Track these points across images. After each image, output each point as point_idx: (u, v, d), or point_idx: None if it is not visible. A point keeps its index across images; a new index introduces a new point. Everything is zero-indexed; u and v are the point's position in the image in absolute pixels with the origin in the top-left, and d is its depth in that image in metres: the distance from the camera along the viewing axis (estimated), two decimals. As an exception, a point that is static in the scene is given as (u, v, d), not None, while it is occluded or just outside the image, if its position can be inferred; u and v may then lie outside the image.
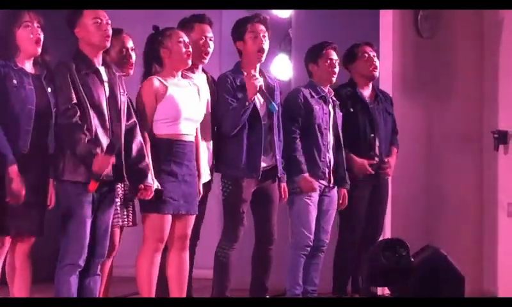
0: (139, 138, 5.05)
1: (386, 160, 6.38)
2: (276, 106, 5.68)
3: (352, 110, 6.32)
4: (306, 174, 5.93)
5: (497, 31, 7.38)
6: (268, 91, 5.76)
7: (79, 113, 4.78)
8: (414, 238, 6.44)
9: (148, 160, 5.10)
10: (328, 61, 6.16)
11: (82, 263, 4.86)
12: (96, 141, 4.82)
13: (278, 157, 5.79)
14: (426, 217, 7.09)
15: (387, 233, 6.70)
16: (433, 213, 7.14)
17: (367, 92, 6.44)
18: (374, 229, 6.40)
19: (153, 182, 5.07)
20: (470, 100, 7.39)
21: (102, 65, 4.99)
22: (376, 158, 6.35)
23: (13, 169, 4.54)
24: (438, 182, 7.19)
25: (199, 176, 5.46)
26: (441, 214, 7.18)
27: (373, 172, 6.32)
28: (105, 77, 4.96)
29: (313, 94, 6.10)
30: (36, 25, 4.81)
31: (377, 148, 6.36)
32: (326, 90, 6.16)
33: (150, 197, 5.08)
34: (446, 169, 7.23)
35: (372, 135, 6.35)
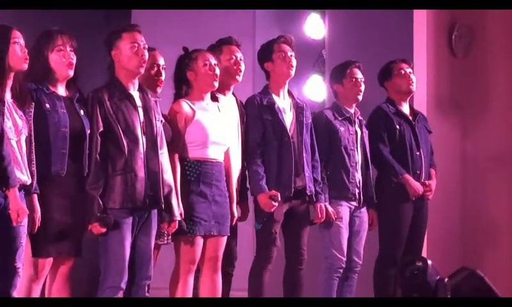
0: (169, 169, 5.06)
1: (427, 183, 6.34)
2: (259, 225, 5.69)
3: (398, 127, 6.30)
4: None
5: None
6: (298, 112, 5.80)
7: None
8: (450, 259, 6.52)
9: (177, 185, 5.13)
10: (353, 80, 6.16)
11: (123, 285, 4.87)
12: (127, 167, 4.86)
13: (307, 175, 5.78)
14: (462, 238, 7.10)
15: (423, 254, 6.64)
16: (469, 234, 7.15)
17: (406, 110, 6.43)
18: (414, 249, 6.32)
19: (177, 212, 5.08)
20: (505, 120, 7.39)
21: (138, 90, 5.02)
22: (422, 177, 6.32)
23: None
24: (474, 203, 7.20)
25: (231, 197, 5.45)
26: (477, 234, 7.18)
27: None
28: (139, 102, 4.98)
29: (337, 115, 6.11)
30: (68, 49, 4.83)
31: (423, 167, 6.34)
32: (352, 110, 6.17)
33: (173, 231, 5.12)
34: (482, 190, 7.23)
35: (418, 153, 6.33)
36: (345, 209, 6.05)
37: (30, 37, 4.77)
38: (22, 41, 4.59)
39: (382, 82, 6.45)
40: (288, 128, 5.75)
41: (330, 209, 5.94)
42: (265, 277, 5.71)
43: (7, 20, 4.78)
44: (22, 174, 4.52)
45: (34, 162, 4.61)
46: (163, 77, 5.41)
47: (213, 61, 5.37)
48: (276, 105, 5.76)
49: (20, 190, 4.49)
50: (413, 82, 6.39)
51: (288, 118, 5.78)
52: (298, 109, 5.84)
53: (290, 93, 5.89)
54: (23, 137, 4.56)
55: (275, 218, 5.68)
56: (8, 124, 4.47)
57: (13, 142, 4.49)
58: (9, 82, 4.56)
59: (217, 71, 5.37)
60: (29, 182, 4.56)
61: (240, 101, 5.78)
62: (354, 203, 6.09)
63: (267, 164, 5.69)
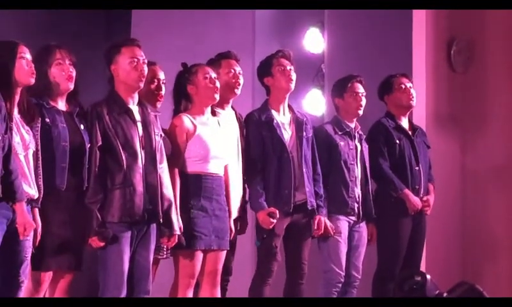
0: (168, 184, 5.06)
1: (425, 198, 6.33)
2: (259, 243, 5.71)
3: (398, 142, 6.29)
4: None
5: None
6: (298, 126, 5.80)
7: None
8: (449, 273, 6.51)
9: (177, 200, 5.13)
10: (354, 95, 6.16)
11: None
12: (126, 182, 4.87)
13: (307, 189, 5.78)
14: (461, 252, 7.10)
15: (422, 268, 6.63)
16: (468, 248, 7.14)
17: (405, 124, 6.42)
18: (412, 263, 6.30)
19: (176, 226, 5.07)
20: (504, 134, 7.38)
21: (137, 104, 5.02)
22: (421, 192, 6.31)
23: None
24: (473, 217, 7.19)
25: (229, 212, 5.45)
26: (476, 249, 7.17)
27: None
28: (138, 117, 4.99)
29: (337, 130, 6.10)
30: (67, 62, 4.84)
31: (422, 182, 6.33)
32: (353, 125, 6.16)
33: (173, 245, 5.12)
34: (481, 203, 7.23)
35: (417, 168, 6.32)
36: (344, 224, 6.04)
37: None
38: (28, 56, 4.61)
39: (382, 95, 6.44)
40: (287, 144, 5.75)
41: (329, 224, 5.93)
42: (266, 291, 5.70)
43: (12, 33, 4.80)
44: (30, 188, 4.53)
45: (41, 177, 4.63)
46: (163, 92, 5.41)
47: (213, 75, 5.39)
48: (275, 121, 5.76)
49: (27, 204, 4.50)
50: (413, 97, 6.39)
51: (288, 133, 5.78)
52: (298, 123, 5.83)
53: (290, 108, 5.89)
54: (30, 152, 4.58)
55: (276, 232, 5.67)
56: (16, 139, 4.48)
57: (21, 157, 4.50)
58: (17, 97, 4.57)
59: (218, 84, 5.38)
60: (36, 196, 4.58)
61: (240, 114, 5.78)
62: (353, 218, 6.08)
63: (267, 180, 5.69)
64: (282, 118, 5.83)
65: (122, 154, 4.88)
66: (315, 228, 5.86)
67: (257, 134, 5.71)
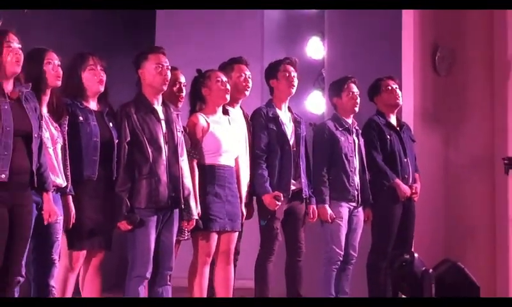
0: (188, 174, 5.04)
1: (414, 186, 6.26)
2: (264, 222, 5.64)
3: (389, 137, 6.22)
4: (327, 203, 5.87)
5: (506, 68, 7.31)
6: (295, 125, 5.79)
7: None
8: (434, 252, 6.40)
9: (195, 188, 5.12)
10: (350, 94, 6.09)
11: (148, 275, 4.86)
12: (152, 172, 4.86)
13: (303, 180, 5.74)
14: (445, 234, 7.02)
15: (411, 247, 6.60)
16: (451, 230, 7.07)
17: (393, 121, 6.35)
18: (403, 243, 6.24)
19: (195, 212, 5.07)
20: (482, 130, 7.33)
21: (161, 104, 5.01)
22: (410, 181, 6.24)
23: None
24: (455, 203, 7.12)
25: (240, 198, 5.43)
26: (458, 231, 7.10)
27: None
28: (162, 116, 4.97)
29: (338, 126, 6.04)
30: (99, 68, 4.85)
31: (410, 172, 6.27)
32: (350, 121, 6.11)
33: (191, 228, 5.11)
34: (462, 191, 7.16)
35: (406, 160, 6.26)
36: (345, 209, 5.98)
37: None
38: (56, 61, 4.66)
39: (372, 97, 6.37)
40: (289, 139, 5.72)
41: (329, 211, 5.89)
42: (269, 267, 5.66)
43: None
44: (58, 178, 4.53)
45: (69, 168, 4.63)
46: (184, 93, 5.39)
47: (224, 78, 5.37)
48: (280, 118, 5.74)
49: (56, 192, 4.53)
50: (399, 96, 6.33)
51: (289, 130, 5.75)
52: (296, 122, 5.83)
53: (289, 108, 5.88)
54: (58, 146, 4.58)
55: (276, 216, 5.64)
56: (46, 135, 4.49)
57: (50, 151, 4.51)
58: (46, 98, 4.61)
59: (228, 86, 5.37)
60: (64, 185, 4.58)
61: (247, 113, 5.76)
62: (354, 204, 6.02)
63: (270, 169, 5.65)
64: (284, 116, 5.80)
65: (148, 148, 4.86)
66: (310, 216, 5.84)
67: (264, 127, 5.67)
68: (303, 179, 5.74)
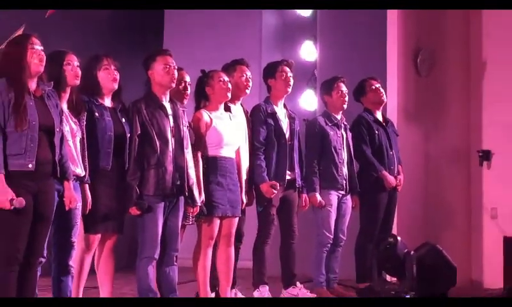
0: (192, 165, 5.02)
1: (398, 178, 6.28)
2: (261, 208, 5.67)
3: (377, 132, 6.24)
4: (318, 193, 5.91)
5: (481, 69, 7.34)
6: (290, 120, 5.79)
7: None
8: (415, 236, 6.41)
9: (199, 177, 5.10)
10: (340, 93, 6.11)
11: (156, 256, 4.84)
12: (159, 163, 4.84)
13: (297, 171, 5.76)
14: (425, 219, 7.02)
15: (394, 232, 6.61)
16: (431, 216, 7.07)
17: (379, 117, 6.37)
18: (387, 228, 6.28)
19: (199, 199, 5.05)
20: (459, 126, 7.34)
21: (169, 101, 4.99)
22: (395, 172, 6.27)
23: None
24: (435, 191, 7.13)
25: (241, 187, 5.42)
26: (437, 217, 7.11)
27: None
28: (169, 111, 4.96)
29: (328, 122, 6.06)
30: (113, 67, 4.84)
31: (395, 163, 6.29)
32: (339, 117, 6.12)
33: (196, 213, 5.10)
34: (441, 181, 7.17)
35: (391, 153, 6.28)
36: (334, 197, 6.01)
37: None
38: (75, 63, 4.63)
39: (358, 98, 6.38)
40: (285, 133, 5.73)
41: (319, 198, 5.91)
42: (266, 249, 5.68)
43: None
44: (77, 168, 4.54)
45: (87, 159, 4.63)
46: (189, 91, 5.38)
47: (226, 78, 5.36)
48: (277, 114, 5.74)
49: (76, 181, 4.52)
50: (383, 94, 6.35)
51: (285, 125, 5.76)
52: (291, 118, 5.83)
53: (285, 105, 5.88)
54: (77, 139, 4.59)
55: (273, 203, 5.66)
56: (66, 128, 4.49)
57: (70, 143, 4.51)
58: (66, 96, 4.61)
59: (229, 85, 5.35)
60: (82, 174, 4.59)
61: (247, 110, 5.74)
62: (342, 192, 6.05)
63: (267, 160, 5.65)
64: (280, 112, 5.81)
65: (156, 141, 4.85)
66: (303, 204, 5.86)
67: (263, 122, 5.68)
68: (296, 170, 5.75)
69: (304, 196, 5.86)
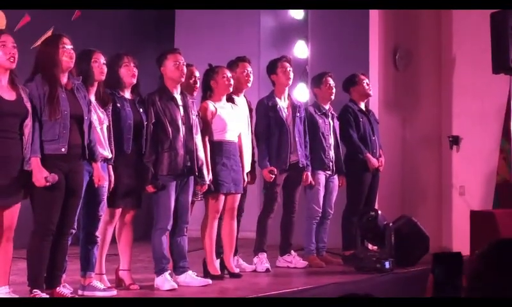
0: (201, 147, 5.03)
1: (380, 160, 6.26)
2: (264, 190, 5.72)
3: (361, 120, 6.23)
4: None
5: (451, 64, 7.34)
6: (293, 109, 5.79)
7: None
8: (394, 210, 6.43)
9: (207, 159, 5.11)
10: (328, 86, 6.11)
11: (169, 227, 4.85)
12: (171, 147, 4.85)
13: (299, 153, 5.75)
14: (402, 195, 7.04)
15: (376, 207, 6.66)
16: (407, 192, 7.09)
17: (363, 107, 6.36)
18: (369, 203, 6.28)
19: (207, 178, 5.04)
20: (431, 114, 7.34)
21: (180, 93, 4.99)
22: (377, 155, 6.26)
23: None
24: (410, 171, 7.14)
25: (243, 167, 5.42)
26: (412, 193, 7.13)
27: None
28: (180, 102, 4.95)
29: (317, 111, 6.06)
30: (132, 64, 4.83)
31: (377, 147, 6.28)
32: (327, 107, 6.13)
33: (204, 191, 5.10)
34: (416, 162, 7.18)
35: (374, 138, 6.27)
36: (322, 176, 6.02)
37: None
38: (101, 60, 4.62)
39: (347, 88, 6.34)
40: (286, 121, 5.74)
41: (310, 178, 5.91)
42: (269, 222, 5.72)
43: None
44: (104, 151, 4.57)
45: (113, 143, 4.67)
46: (198, 85, 5.37)
47: (229, 74, 5.33)
48: (278, 106, 5.75)
49: (103, 162, 4.56)
50: (370, 88, 6.36)
51: (287, 114, 5.76)
52: (294, 107, 5.83)
53: (289, 96, 5.89)
54: (104, 126, 4.62)
55: (277, 183, 5.69)
56: (94, 117, 4.51)
57: (98, 129, 4.55)
58: (93, 89, 4.63)
59: (231, 81, 5.34)
60: (109, 156, 4.62)
61: (249, 101, 5.75)
62: (329, 172, 6.06)
63: (270, 147, 5.68)
64: (283, 103, 5.81)
65: (169, 128, 4.86)
66: (304, 180, 5.86)
67: (265, 115, 5.70)
68: (300, 152, 5.73)
69: (306, 173, 5.83)
